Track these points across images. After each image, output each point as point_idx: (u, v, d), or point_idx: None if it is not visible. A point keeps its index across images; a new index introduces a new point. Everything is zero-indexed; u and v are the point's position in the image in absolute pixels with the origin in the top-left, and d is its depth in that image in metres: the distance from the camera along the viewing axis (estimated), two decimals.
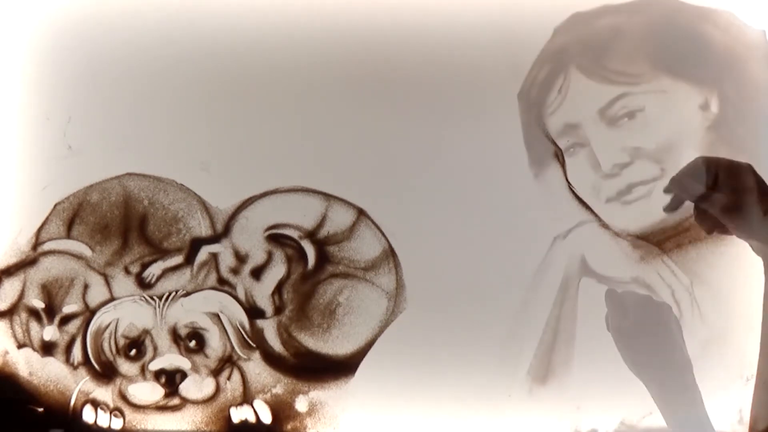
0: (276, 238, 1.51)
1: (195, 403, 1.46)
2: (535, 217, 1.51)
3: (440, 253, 1.50)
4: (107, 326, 1.48)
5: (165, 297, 1.49)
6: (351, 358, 1.47)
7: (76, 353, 1.48)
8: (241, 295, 1.49)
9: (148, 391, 1.47)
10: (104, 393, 1.47)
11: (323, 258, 1.50)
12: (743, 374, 1.45)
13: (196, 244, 1.51)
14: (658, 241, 1.49)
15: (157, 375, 1.47)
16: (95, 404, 1.46)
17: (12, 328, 1.48)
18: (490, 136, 1.53)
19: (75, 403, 1.46)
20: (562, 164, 1.52)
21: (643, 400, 1.40)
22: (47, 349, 1.48)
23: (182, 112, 1.55)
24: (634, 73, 1.52)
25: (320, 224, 1.51)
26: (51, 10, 1.59)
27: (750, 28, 1.55)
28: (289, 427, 1.46)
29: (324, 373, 1.47)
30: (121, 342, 1.48)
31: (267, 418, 1.46)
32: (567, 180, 1.51)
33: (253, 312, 1.49)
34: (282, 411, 1.46)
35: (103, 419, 1.46)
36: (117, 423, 1.46)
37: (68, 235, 1.51)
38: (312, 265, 1.50)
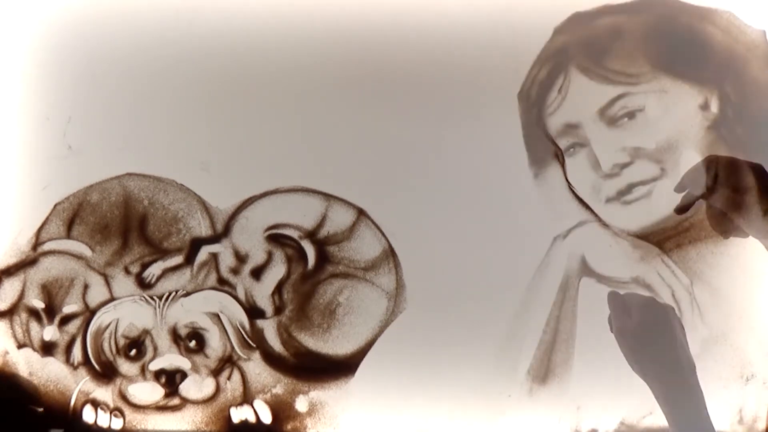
0: (276, 238, 1.51)
1: (195, 403, 1.46)
2: (535, 217, 1.51)
3: (440, 253, 1.50)
4: (107, 326, 1.48)
5: (165, 297, 1.49)
6: (351, 358, 1.47)
7: (76, 353, 1.48)
8: (241, 295, 1.49)
9: (148, 391, 1.47)
10: (104, 393, 1.47)
11: (323, 258, 1.50)
12: (743, 374, 1.45)
13: (196, 244, 1.51)
14: (658, 241, 1.49)
15: (157, 375, 1.47)
16: (95, 404, 1.46)
17: (12, 328, 1.48)
18: (490, 136, 1.53)
19: (75, 403, 1.46)
20: (562, 164, 1.52)
21: (643, 400, 1.41)
22: (47, 349, 1.48)
23: (182, 112, 1.55)
24: (634, 73, 1.52)
25: (320, 224, 1.51)
26: (51, 10, 1.59)
27: (750, 28, 1.55)
28: (289, 427, 1.46)
29: (324, 373, 1.47)
30: (121, 342, 1.48)
31: (267, 418, 1.46)
32: (567, 180, 1.51)
33: (253, 312, 1.49)
34: (282, 411, 1.46)
35: (103, 419, 1.46)
36: (117, 423, 1.46)
37: (68, 235, 1.51)
38: (312, 265, 1.50)
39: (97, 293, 1.49)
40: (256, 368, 1.47)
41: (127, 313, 1.48)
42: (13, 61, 1.58)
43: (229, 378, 1.47)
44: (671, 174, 1.49)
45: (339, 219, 1.51)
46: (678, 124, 1.51)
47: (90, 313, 1.49)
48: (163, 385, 1.47)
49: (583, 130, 1.51)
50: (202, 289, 1.49)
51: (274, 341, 1.48)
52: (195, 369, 1.47)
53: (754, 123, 1.52)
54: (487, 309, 1.48)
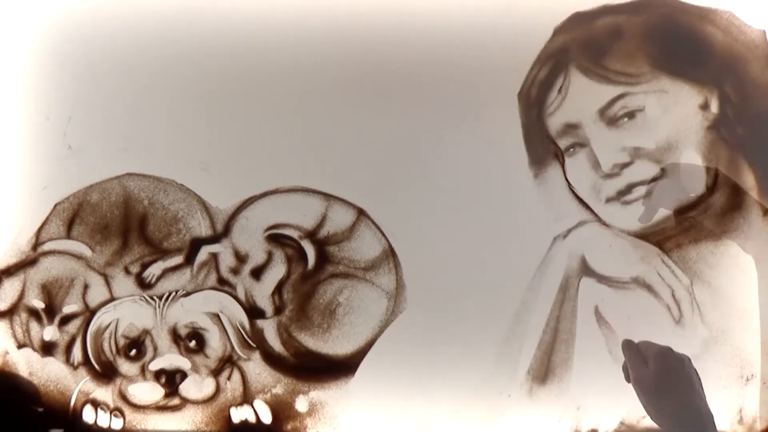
0: (276, 238, 1.51)
1: (195, 403, 1.46)
2: (535, 217, 1.51)
3: (440, 253, 1.50)
4: (107, 326, 1.48)
5: (165, 297, 1.49)
6: (351, 358, 1.47)
7: (76, 353, 1.48)
8: (241, 295, 1.49)
9: (148, 391, 1.47)
10: (104, 393, 1.47)
11: (323, 258, 1.50)
12: (743, 374, 1.45)
13: (196, 244, 1.51)
14: (658, 241, 1.49)
15: (157, 375, 1.47)
16: (95, 404, 1.46)
17: (12, 328, 1.48)
18: (490, 136, 1.53)
19: (75, 403, 1.46)
20: (562, 164, 1.52)
21: None
22: (47, 349, 1.48)
23: (182, 112, 1.55)
24: (634, 73, 1.52)
25: (320, 224, 1.51)
26: (51, 10, 1.59)
27: (750, 28, 1.55)
28: (289, 427, 1.46)
29: (324, 373, 1.47)
30: (121, 342, 1.48)
31: (267, 418, 1.46)
32: (567, 180, 1.51)
33: (253, 312, 1.49)
34: (282, 411, 1.46)
35: (103, 419, 1.46)
36: (117, 423, 1.46)
37: (68, 235, 1.51)
38: (312, 265, 1.50)
39: (97, 293, 1.49)
40: (256, 368, 1.47)
41: (127, 313, 1.48)
42: (13, 61, 1.58)
43: (229, 378, 1.47)
44: (671, 174, 1.49)
45: (339, 219, 1.51)
46: (678, 124, 1.51)
47: (90, 313, 1.49)
48: (163, 385, 1.47)
49: (583, 130, 1.51)
50: (202, 289, 1.49)
51: (274, 341, 1.48)
52: (195, 369, 1.47)
53: (754, 123, 1.52)
54: (487, 309, 1.48)
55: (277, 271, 1.50)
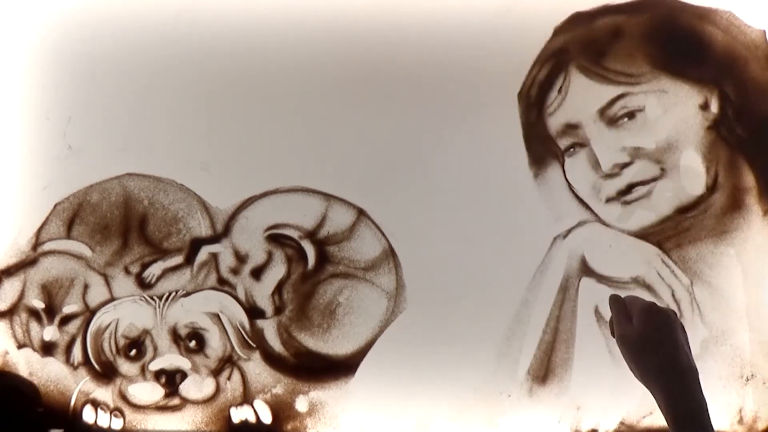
0: (276, 238, 1.51)
1: (195, 403, 1.46)
2: (535, 217, 1.51)
3: (440, 253, 1.50)
4: (107, 326, 1.48)
5: (165, 297, 1.49)
6: (351, 358, 1.47)
7: (76, 353, 1.48)
8: (241, 295, 1.49)
9: (148, 391, 1.47)
10: (104, 393, 1.47)
11: (323, 258, 1.50)
12: (743, 374, 1.45)
13: (196, 244, 1.51)
14: (658, 241, 1.49)
15: (157, 375, 1.47)
16: (95, 404, 1.46)
17: (12, 328, 1.48)
18: (490, 136, 1.53)
19: (75, 403, 1.46)
20: (562, 164, 1.52)
21: (643, 400, 1.41)
22: (47, 349, 1.48)
23: (182, 112, 1.55)
24: (634, 73, 1.52)
25: (320, 224, 1.51)
26: (51, 10, 1.59)
27: (750, 28, 1.55)
28: (289, 427, 1.46)
29: (324, 373, 1.47)
30: (121, 342, 1.48)
31: (267, 418, 1.46)
32: (567, 180, 1.51)
33: (253, 312, 1.49)
34: (282, 411, 1.46)
35: (103, 419, 1.46)
36: (117, 423, 1.46)
37: (68, 236, 1.51)
38: (312, 265, 1.50)
39: (97, 293, 1.49)
40: (256, 368, 1.47)
41: (127, 313, 1.48)
42: (13, 61, 1.58)
43: (229, 378, 1.47)
44: (671, 174, 1.49)
45: (339, 219, 1.51)
46: (678, 124, 1.51)
47: (90, 313, 1.49)
48: (163, 385, 1.47)
49: (583, 130, 1.51)
50: (202, 289, 1.49)
51: (274, 341, 1.48)
52: (195, 369, 1.47)
53: (754, 123, 1.52)
54: (488, 309, 1.48)
55: (277, 271, 1.50)
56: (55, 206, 1.52)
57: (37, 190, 1.53)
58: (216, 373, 1.47)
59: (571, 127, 1.51)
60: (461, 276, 1.49)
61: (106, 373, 1.47)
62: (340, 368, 1.47)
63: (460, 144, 1.53)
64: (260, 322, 1.48)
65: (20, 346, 1.48)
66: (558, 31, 1.55)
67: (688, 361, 0.91)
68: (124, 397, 1.47)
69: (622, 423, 1.44)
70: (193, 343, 1.47)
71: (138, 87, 1.56)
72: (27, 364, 1.48)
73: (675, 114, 1.51)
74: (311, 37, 1.56)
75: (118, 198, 1.52)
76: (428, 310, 1.48)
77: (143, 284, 1.49)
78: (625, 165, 1.49)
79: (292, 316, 1.49)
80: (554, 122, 1.52)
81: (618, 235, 1.50)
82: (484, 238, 1.50)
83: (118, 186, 1.53)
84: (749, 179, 1.50)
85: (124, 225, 1.51)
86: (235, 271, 1.50)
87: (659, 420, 1.42)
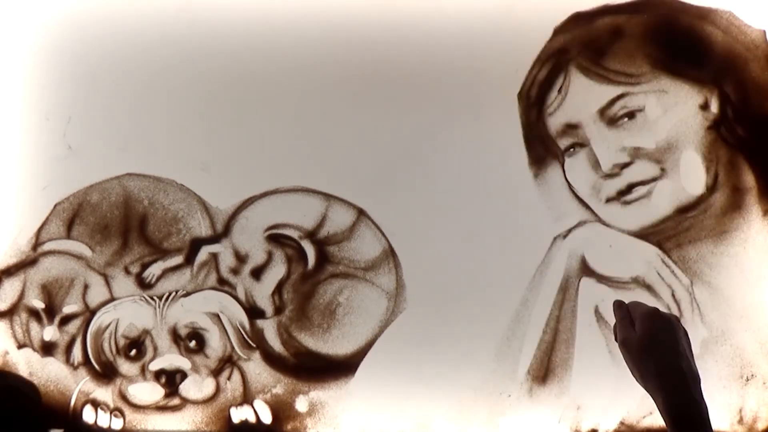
0: (276, 238, 1.51)
1: (195, 403, 1.46)
2: (535, 217, 1.51)
3: (440, 253, 1.50)
4: (107, 326, 1.48)
5: (165, 297, 1.49)
6: (351, 358, 1.47)
7: (76, 353, 1.48)
8: (241, 295, 1.49)
9: (148, 391, 1.47)
10: (104, 393, 1.47)
11: (323, 258, 1.50)
12: (743, 374, 1.45)
13: (196, 244, 1.51)
14: (658, 241, 1.49)
15: (157, 375, 1.47)
16: (95, 404, 1.46)
17: (12, 328, 1.48)
18: (490, 136, 1.53)
19: (75, 403, 1.46)
20: (562, 164, 1.52)
21: (643, 400, 1.41)
22: (47, 349, 1.48)
23: (182, 113, 1.55)
24: (634, 73, 1.52)
25: (320, 224, 1.51)
26: (51, 10, 1.59)
27: (750, 28, 1.55)
28: (289, 427, 1.46)
29: (324, 373, 1.47)
30: (121, 342, 1.48)
31: (267, 418, 1.46)
32: (567, 180, 1.51)
33: (253, 312, 1.49)
34: (282, 411, 1.46)
35: (103, 419, 1.46)
36: (117, 423, 1.46)
37: (68, 236, 1.51)
38: (312, 265, 1.50)
39: (97, 293, 1.49)
40: (256, 368, 1.47)
41: (127, 313, 1.48)
42: (13, 61, 1.58)
43: (229, 378, 1.47)
44: (671, 174, 1.49)
45: (339, 219, 1.51)
46: (678, 124, 1.51)
47: (90, 313, 1.49)
48: (163, 385, 1.47)
49: (583, 130, 1.51)
50: (202, 289, 1.49)
51: (274, 341, 1.48)
52: (195, 369, 1.47)
53: (754, 123, 1.52)
54: (488, 309, 1.48)
55: (277, 271, 1.50)
56: (55, 206, 1.52)
57: (37, 190, 1.53)
58: (216, 373, 1.47)
59: (571, 127, 1.51)
60: (461, 276, 1.49)
61: (106, 373, 1.47)
62: (340, 368, 1.47)
63: (460, 144, 1.53)
64: (260, 322, 1.48)
65: (20, 346, 1.48)
66: (558, 31, 1.55)
67: (689, 367, 0.90)
68: (124, 397, 1.47)
69: (622, 423, 1.44)
70: (193, 343, 1.47)
71: (138, 87, 1.56)
72: (27, 364, 1.48)
73: (675, 114, 1.51)
74: (311, 38, 1.56)
75: (118, 198, 1.52)
76: (428, 310, 1.48)
77: (143, 284, 1.49)
78: (625, 165, 1.49)
79: (292, 316, 1.49)
80: (554, 122, 1.52)
81: (618, 235, 1.50)
82: (484, 238, 1.50)
83: (118, 186, 1.53)
84: (749, 179, 1.50)
85: (124, 225, 1.51)
86: (235, 271, 1.50)
87: (659, 420, 1.42)
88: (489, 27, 1.56)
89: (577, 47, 1.54)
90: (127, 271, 1.50)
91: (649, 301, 1.47)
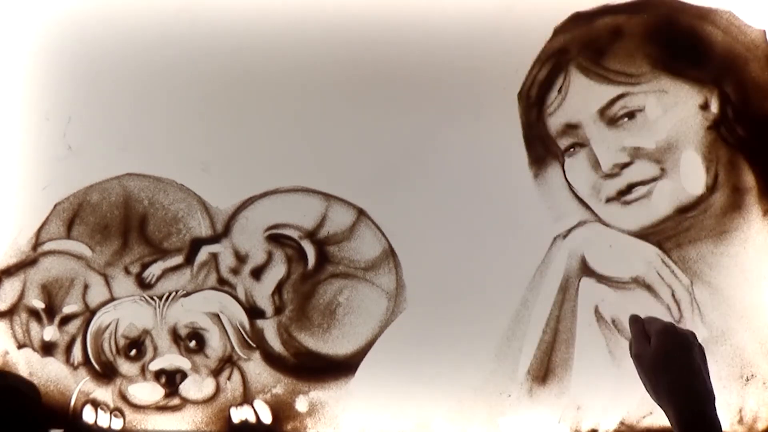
0: (276, 238, 1.51)
1: (195, 403, 1.46)
2: (535, 217, 1.51)
3: (440, 253, 1.50)
4: (107, 326, 1.48)
5: (165, 297, 1.49)
6: (351, 358, 1.47)
7: (76, 353, 1.48)
8: (241, 295, 1.49)
9: (148, 391, 1.47)
10: (104, 393, 1.47)
11: (323, 258, 1.50)
12: (743, 374, 1.45)
13: (196, 244, 1.51)
14: (658, 241, 1.49)
15: (157, 375, 1.47)
16: (95, 404, 1.46)
17: (12, 328, 1.48)
18: (490, 136, 1.53)
19: (75, 403, 1.46)
20: (562, 164, 1.52)
21: (643, 400, 1.41)
22: (47, 349, 1.48)
23: (182, 113, 1.55)
24: (634, 73, 1.52)
25: (320, 224, 1.51)
26: (51, 10, 1.59)
27: (750, 28, 1.55)
28: (289, 427, 1.46)
29: (324, 373, 1.47)
30: (121, 342, 1.48)
31: (267, 418, 1.46)
32: (567, 180, 1.51)
33: (253, 312, 1.49)
34: (282, 411, 1.46)
35: (103, 419, 1.46)
36: (117, 423, 1.46)
37: (68, 236, 1.51)
38: (312, 265, 1.50)
39: (97, 293, 1.49)
40: (256, 368, 1.47)
41: (127, 313, 1.48)
42: (13, 61, 1.58)
43: (229, 378, 1.47)
44: (671, 174, 1.49)
45: (339, 219, 1.51)
46: (678, 124, 1.51)
47: (90, 313, 1.49)
48: (163, 385, 1.47)
49: (583, 130, 1.51)
50: (202, 289, 1.49)
51: (274, 341, 1.48)
52: (195, 369, 1.47)
53: (754, 123, 1.52)
54: (488, 309, 1.48)
55: (277, 271, 1.50)
56: (55, 206, 1.52)
57: (37, 190, 1.53)
58: (216, 373, 1.47)
59: (571, 127, 1.51)
60: (461, 276, 1.49)
61: (106, 373, 1.47)
62: (340, 368, 1.47)
63: (460, 144, 1.53)
64: (260, 322, 1.48)
65: (20, 346, 1.48)
66: (558, 31, 1.55)
67: (703, 384, 0.90)
68: (124, 397, 1.47)
69: (622, 423, 1.44)
70: (193, 343, 1.47)
71: (138, 87, 1.56)
72: (27, 364, 1.48)
73: (675, 114, 1.51)
74: (311, 37, 1.56)
75: (118, 198, 1.52)
76: (428, 310, 1.48)
77: (143, 284, 1.49)
78: (625, 165, 1.49)
79: (292, 316, 1.49)
80: (554, 122, 1.52)
81: (618, 235, 1.50)
82: (484, 238, 1.50)
83: (118, 186, 1.53)
84: (749, 179, 1.50)
85: (124, 225, 1.51)
86: (235, 271, 1.50)
87: (659, 420, 1.42)
88: (489, 27, 1.56)
89: (577, 47, 1.54)
90: (127, 271, 1.50)
91: (649, 301, 1.47)
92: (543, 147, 1.52)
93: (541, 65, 1.53)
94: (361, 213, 1.51)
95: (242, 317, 1.48)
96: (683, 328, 0.96)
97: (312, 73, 1.55)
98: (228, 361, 1.48)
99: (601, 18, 1.55)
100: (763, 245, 1.49)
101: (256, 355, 1.48)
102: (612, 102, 1.51)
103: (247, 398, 1.47)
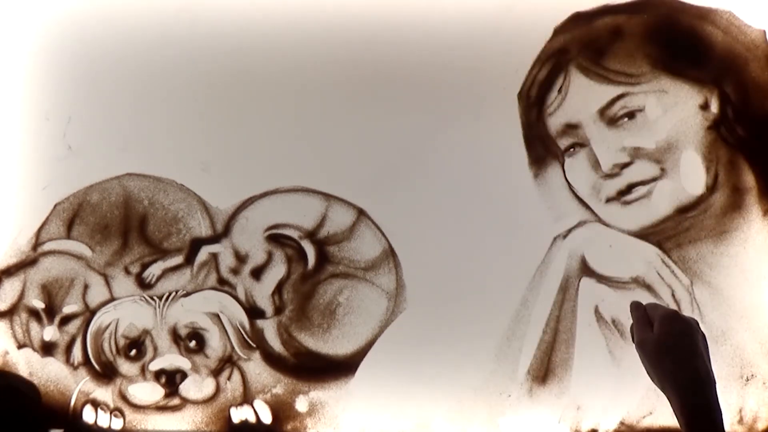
0: (276, 238, 1.51)
1: (195, 403, 1.46)
2: (535, 217, 1.51)
3: (440, 253, 1.50)
4: (107, 326, 1.48)
5: (165, 297, 1.49)
6: (351, 358, 1.47)
7: (76, 353, 1.48)
8: (241, 295, 1.49)
9: (148, 391, 1.47)
10: (104, 393, 1.47)
11: (323, 258, 1.50)
12: (743, 374, 1.45)
13: (196, 244, 1.51)
14: (658, 241, 1.49)
15: (157, 375, 1.47)
16: (95, 404, 1.46)
17: (12, 328, 1.48)
18: (490, 136, 1.53)
19: (75, 403, 1.46)
20: (562, 164, 1.52)
21: (643, 400, 1.41)
22: (47, 349, 1.48)
23: (182, 113, 1.55)
24: (634, 73, 1.52)
25: (320, 224, 1.51)
26: (51, 10, 1.59)
27: (750, 28, 1.55)
28: (289, 427, 1.46)
29: (324, 373, 1.47)
30: (121, 342, 1.48)
31: (267, 418, 1.46)
32: (567, 180, 1.51)
33: (253, 312, 1.49)
34: (282, 411, 1.46)
35: (103, 419, 1.46)
36: (117, 423, 1.46)
37: (68, 236, 1.51)
38: (312, 265, 1.50)
39: (97, 293, 1.49)
40: (256, 368, 1.47)
41: (127, 313, 1.48)
42: (13, 61, 1.58)
43: (229, 378, 1.47)
44: (671, 174, 1.49)
45: (339, 219, 1.51)
46: (678, 124, 1.51)
47: (90, 313, 1.49)
48: (163, 385, 1.47)
49: (583, 130, 1.51)
50: (202, 289, 1.49)
51: (274, 341, 1.48)
52: (195, 369, 1.47)
53: (754, 123, 1.52)
54: (488, 309, 1.48)
55: (277, 271, 1.50)
56: (55, 206, 1.52)
57: (37, 190, 1.53)
58: (216, 373, 1.47)
59: (571, 127, 1.51)
60: (461, 276, 1.49)
61: (106, 373, 1.47)
62: (340, 368, 1.47)
63: (460, 144, 1.53)
64: (260, 322, 1.48)
65: (20, 346, 1.48)
66: (558, 31, 1.55)
67: (706, 370, 0.90)
68: (124, 397, 1.47)
69: (622, 423, 1.44)
70: (193, 343, 1.47)
71: (138, 87, 1.56)
72: (27, 364, 1.48)
73: (675, 114, 1.51)
74: (311, 37, 1.56)
75: (118, 198, 1.52)
76: (428, 310, 1.48)
77: (143, 284, 1.49)
78: (625, 165, 1.49)
79: (292, 316, 1.49)
80: (554, 122, 1.52)
81: (618, 235, 1.50)
82: (484, 238, 1.50)
83: (118, 186, 1.53)
84: (749, 179, 1.50)
85: (124, 225, 1.51)
86: (235, 271, 1.50)
87: (659, 420, 1.42)
88: (489, 27, 1.56)
89: (577, 47, 1.54)
90: (127, 271, 1.50)
91: (650, 300, 1.47)
92: (543, 147, 1.52)
93: (541, 65, 1.53)
94: (361, 213, 1.51)
95: (242, 317, 1.48)
96: (687, 315, 0.96)
97: (312, 73, 1.55)
98: (228, 361, 1.48)
99: (601, 18, 1.55)
100: (763, 245, 1.49)
101: (256, 355, 1.48)
102: (612, 102, 1.51)
103: (247, 398, 1.47)
